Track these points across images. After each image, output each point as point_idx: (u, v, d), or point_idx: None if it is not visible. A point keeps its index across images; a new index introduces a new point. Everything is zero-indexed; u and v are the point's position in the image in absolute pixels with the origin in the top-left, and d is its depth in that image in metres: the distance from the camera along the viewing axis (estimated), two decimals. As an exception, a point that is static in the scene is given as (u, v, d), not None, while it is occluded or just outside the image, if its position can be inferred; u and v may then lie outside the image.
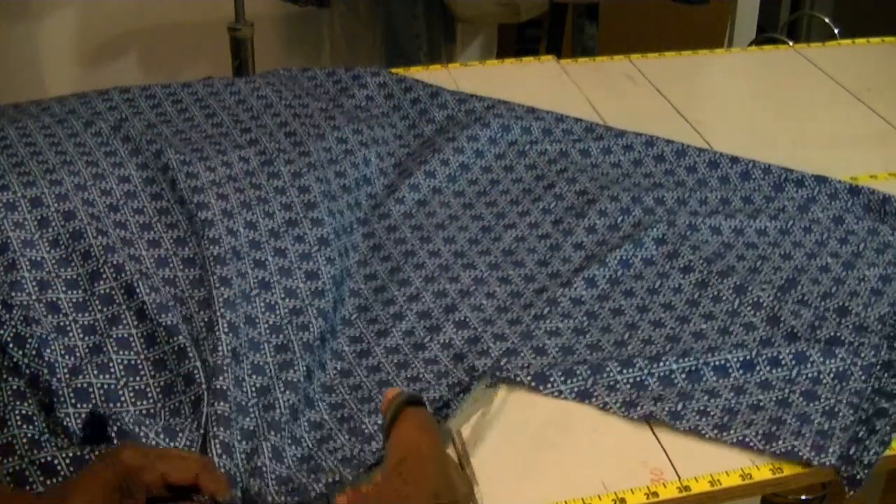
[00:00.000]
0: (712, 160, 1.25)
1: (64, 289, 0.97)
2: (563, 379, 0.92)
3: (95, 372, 0.90)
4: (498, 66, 1.58)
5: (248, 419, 0.87)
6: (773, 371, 0.93)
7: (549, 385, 0.92)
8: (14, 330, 0.91)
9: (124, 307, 0.96)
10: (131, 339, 0.93)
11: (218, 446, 0.82)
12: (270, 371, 0.92)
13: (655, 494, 0.84)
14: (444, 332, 0.99)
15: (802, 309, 1.00)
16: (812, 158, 1.31)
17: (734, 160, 1.25)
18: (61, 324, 0.94)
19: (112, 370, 0.91)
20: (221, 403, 0.85)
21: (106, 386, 0.89)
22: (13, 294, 0.95)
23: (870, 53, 1.64)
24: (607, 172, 1.24)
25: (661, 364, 0.93)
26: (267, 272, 1.02)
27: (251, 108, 1.29)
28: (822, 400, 0.91)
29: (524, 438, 0.89)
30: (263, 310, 0.98)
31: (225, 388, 0.87)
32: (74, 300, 0.96)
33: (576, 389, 0.91)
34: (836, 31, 2.23)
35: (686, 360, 0.93)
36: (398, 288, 1.05)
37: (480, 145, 1.26)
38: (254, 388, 0.90)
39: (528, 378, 0.92)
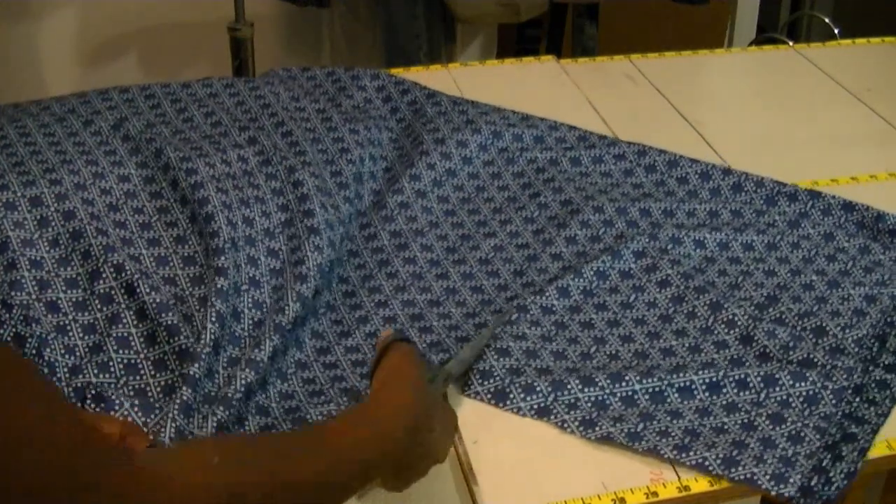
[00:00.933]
0: (704, 171, 1.23)
1: (64, 288, 0.97)
2: (522, 396, 0.90)
3: (95, 371, 0.90)
4: (498, 66, 1.58)
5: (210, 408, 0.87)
6: (741, 393, 0.90)
7: (508, 402, 0.90)
8: (14, 329, 0.91)
9: (124, 306, 0.96)
10: (131, 338, 0.93)
11: (173, 431, 0.82)
12: (243, 359, 0.92)
13: (655, 494, 0.84)
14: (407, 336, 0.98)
15: (778, 328, 0.97)
16: (812, 158, 1.32)
17: (727, 172, 1.23)
18: (61, 323, 0.94)
19: (112, 369, 0.91)
20: (188, 391, 0.86)
21: (106, 385, 0.89)
22: (13, 293, 0.95)
23: (870, 53, 1.64)
24: (596, 182, 1.22)
25: (624, 384, 0.90)
26: (259, 271, 1.02)
27: (249, 109, 1.28)
28: (788, 423, 0.87)
29: (525, 438, 0.89)
30: (251, 306, 0.98)
31: (197, 376, 0.87)
32: (74, 299, 0.96)
33: (535, 406, 0.89)
34: (836, 31, 2.23)
35: (650, 380, 0.90)
36: (368, 294, 1.05)
37: (469, 151, 1.25)
38: (224, 378, 0.90)
39: (489, 396, 0.90)
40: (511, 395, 0.90)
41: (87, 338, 0.93)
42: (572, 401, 0.89)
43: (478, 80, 1.49)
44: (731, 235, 1.11)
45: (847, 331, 0.97)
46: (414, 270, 1.08)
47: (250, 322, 0.97)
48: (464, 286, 1.06)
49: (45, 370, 0.89)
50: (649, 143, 1.33)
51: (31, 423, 0.45)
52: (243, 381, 0.88)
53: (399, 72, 1.52)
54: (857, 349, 0.95)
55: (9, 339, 0.90)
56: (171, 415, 0.83)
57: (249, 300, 0.99)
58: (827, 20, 2.35)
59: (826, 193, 1.19)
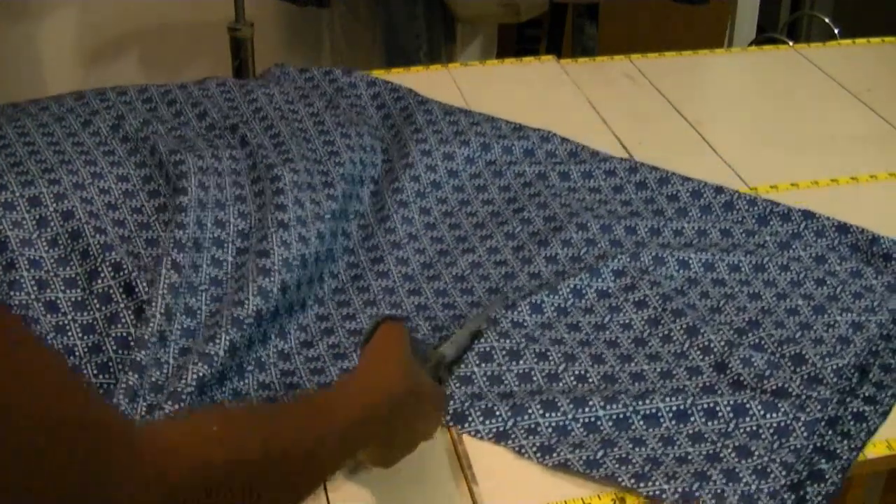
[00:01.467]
0: (696, 189, 1.20)
1: (63, 288, 0.97)
2: (481, 419, 0.87)
3: (95, 371, 0.90)
4: (498, 66, 1.58)
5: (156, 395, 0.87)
6: (708, 423, 0.87)
7: (466, 424, 0.87)
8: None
9: (122, 306, 0.96)
10: (130, 338, 0.93)
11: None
12: (196, 352, 0.91)
13: (655, 494, 0.83)
14: None
15: (756, 354, 0.93)
16: (812, 158, 1.31)
17: (719, 190, 1.19)
18: (60, 323, 0.94)
19: (111, 370, 0.91)
20: (133, 375, 0.86)
21: (105, 385, 0.89)
22: (12, 293, 0.95)
23: (870, 53, 1.64)
24: (584, 197, 1.19)
25: (587, 410, 0.87)
26: (222, 271, 1.01)
27: (242, 112, 1.27)
28: (755, 457, 0.84)
29: (523, 438, 0.88)
30: (208, 301, 0.98)
31: (143, 363, 0.88)
32: (73, 299, 0.96)
33: (493, 430, 0.86)
34: (836, 31, 2.23)
35: (614, 406, 0.87)
36: (336, 308, 1.04)
37: (455, 164, 1.23)
38: (174, 369, 0.90)
39: (447, 418, 0.87)
40: (469, 419, 0.87)
41: (86, 338, 0.93)
42: (532, 426, 0.86)
43: (478, 80, 1.49)
44: (717, 256, 1.08)
45: (827, 360, 0.93)
46: (386, 285, 1.06)
47: (207, 315, 0.96)
48: (436, 303, 1.04)
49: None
50: (649, 144, 1.33)
51: (42, 400, 0.45)
52: (195, 375, 0.87)
53: (399, 72, 1.52)
54: (835, 379, 0.92)
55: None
56: (115, 399, 0.84)
57: (208, 297, 0.98)
58: (827, 20, 2.35)
59: (820, 214, 1.15)
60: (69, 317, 0.95)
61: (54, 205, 1.04)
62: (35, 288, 0.96)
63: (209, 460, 0.53)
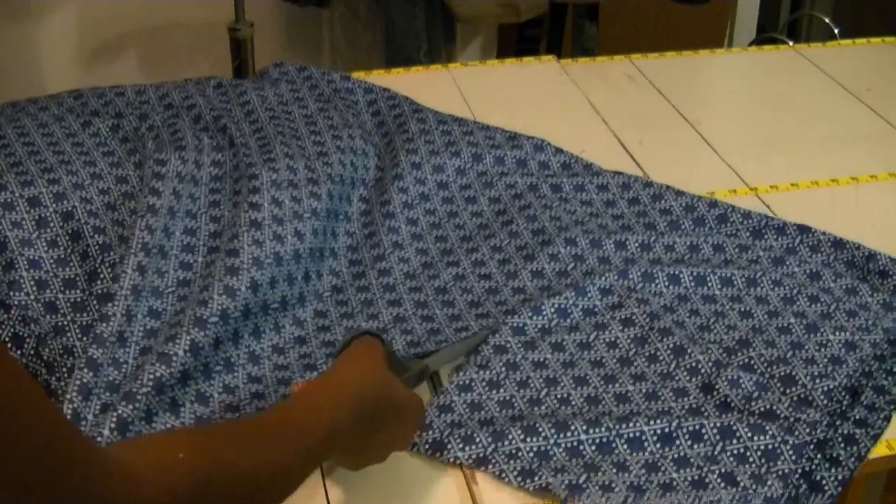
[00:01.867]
0: (689, 204, 1.17)
1: (62, 288, 0.97)
2: (461, 446, 0.85)
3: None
4: (498, 66, 1.58)
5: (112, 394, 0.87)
6: (694, 446, 0.84)
7: (446, 452, 0.85)
8: (13, 330, 0.91)
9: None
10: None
11: (70, 411, 0.84)
12: (154, 349, 0.90)
13: (654, 495, 0.83)
14: None
15: (744, 375, 0.91)
16: (812, 158, 1.31)
17: (713, 204, 1.17)
18: (59, 324, 0.94)
19: (110, 370, 0.90)
20: (88, 373, 0.86)
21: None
22: (11, 294, 0.95)
23: (870, 53, 1.64)
24: (575, 210, 1.17)
25: (569, 434, 0.84)
26: (192, 272, 1.00)
27: (234, 114, 1.26)
28: (740, 487, 0.81)
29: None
30: (174, 302, 0.97)
31: (99, 362, 0.88)
32: (72, 300, 0.96)
33: (473, 456, 0.84)
34: (836, 31, 2.23)
35: (597, 430, 0.85)
36: (314, 317, 1.02)
37: (445, 176, 1.21)
38: (133, 368, 0.89)
39: (426, 447, 0.85)
40: (449, 446, 0.85)
41: (84, 339, 0.93)
42: (513, 451, 0.84)
43: (478, 80, 1.49)
44: (709, 270, 1.05)
45: (818, 381, 0.91)
46: (365, 297, 1.04)
47: (172, 315, 0.95)
48: (414, 314, 1.02)
49: (44, 370, 0.89)
50: (649, 144, 1.33)
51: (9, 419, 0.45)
52: (151, 376, 0.86)
53: (399, 72, 1.52)
54: (825, 401, 0.89)
55: (7, 339, 0.90)
56: (68, 396, 0.83)
57: (174, 298, 0.97)
58: (827, 20, 2.35)
59: (816, 229, 1.13)
60: (68, 318, 0.95)
61: (54, 205, 1.03)
62: (35, 288, 0.96)
63: (175, 489, 0.53)
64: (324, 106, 1.31)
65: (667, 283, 1.04)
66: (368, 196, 1.19)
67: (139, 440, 0.74)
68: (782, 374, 0.92)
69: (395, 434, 0.78)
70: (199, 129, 1.23)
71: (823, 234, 1.12)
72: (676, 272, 1.05)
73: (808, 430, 0.86)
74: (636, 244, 1.10)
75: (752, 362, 0.93)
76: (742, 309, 1.02)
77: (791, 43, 1.77)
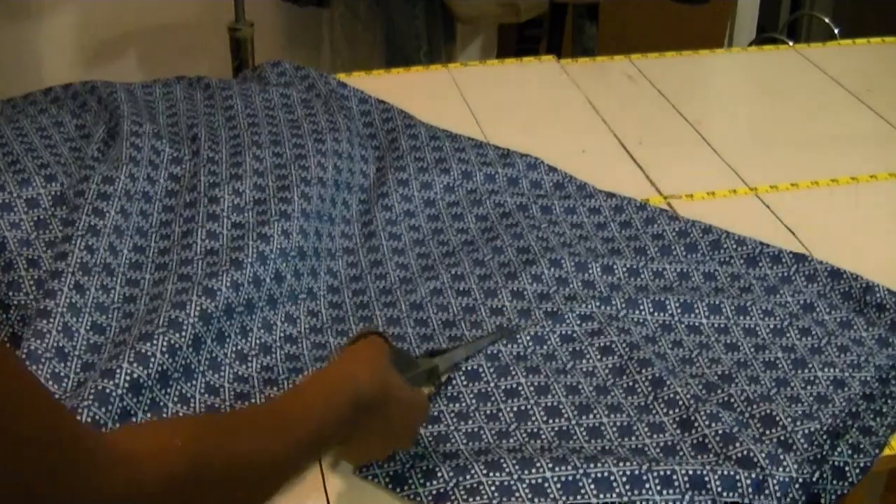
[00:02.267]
0: (682, 229, 1.14)
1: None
2: (421, 481, 0.81)
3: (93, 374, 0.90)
4: (498, 66, 1.58)
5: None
6: (664, 492, 0.80)
7: (406, 487, 0.82)
8: (11, 329, 0.91)
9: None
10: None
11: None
12: (129, 353, 0.87)
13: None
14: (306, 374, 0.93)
15: (724, 413, 0.86)
16: (812, 158, 1.31)
17: (706, 230, 1.13)
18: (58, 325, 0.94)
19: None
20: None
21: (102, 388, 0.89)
22: (10, 294, 0.95)
23: (870, 53, 1.64)
24: (563, 232, 1.14)
25: (534, 471, 0.80)
26: (138, 289, 0.99)
27: (214, 121, 1.25)
28: None
29: (523, 439, 0.88)
30: (119, 318, 0.95)
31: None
32: (69, 302, 0.96)
33: (434, 492, 0.81)
34: (836, 31, 2.23)
35: (563, 468, 0.80)
36: (285, 330, 0.99)
37: (433, 193, 1.20)
38: (76, 383, 0.87)
39: (387, 480, 0.82)
40: (410, 481, 0.81)
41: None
42: (474, 485, 0.80)
43: (478, 80, 1.49)
44: (696, 298, 1.01)
45: (799, 423, 0.85)
46: (337, 315, 1.02)
47: (118, 331, 0.93)
48: (385, 333, 0.98)
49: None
50: (649, 143, 1.33)
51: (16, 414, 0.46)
52: (128, 378, 0.84)
53: (399, 72, 1.52)
54: (805, 445, 0.84)
55: (6, 338, 0.90)
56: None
57: (120, 315, 0.95)
58: (827, 20, 2.35)
59: (813, 258, 1.09)
60: (66, 318, 0.94)
61: (52, 209, 1.03)
62: (34, 288, 0.96)
63: (171, 473, 0.54)
64: (310, 111, 1.29)
65: (651, 311, 0.99)
66: (351, 206, 1.17)
67: (138, 426, 0.74)
68: (763, 413, 0.87)
69: (396, 430, 0.78)
70: (164, 138, 1.19)
71: (820, 263, 1.08)
72: (662, 299, 1.00)
73: (777, 489, 0.81)
74: (623, 269, 1.06)
75: (732, 400, 0.89)
76: (728, 341, 0.97)
77: (791, 43, 1.77)
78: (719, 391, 0.90)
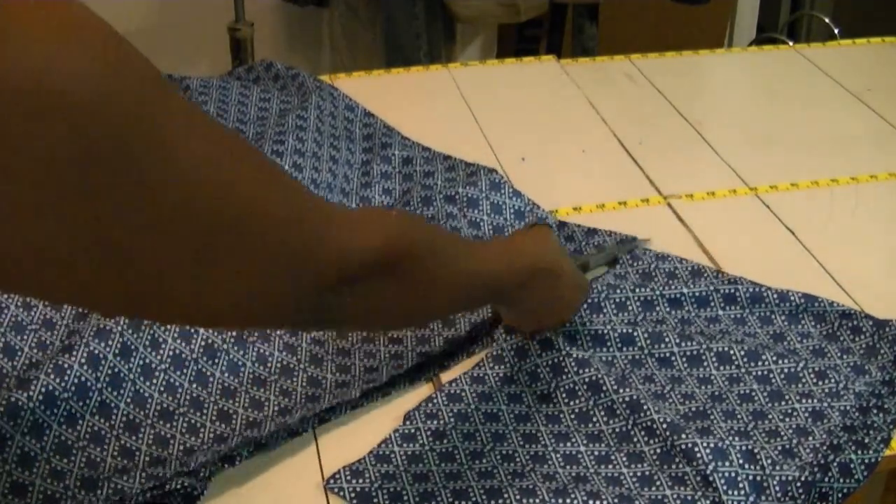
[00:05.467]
0: (661, 254, 1.07)
1: None
2: (387, 501, 0.79)
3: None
4: (498, 66, 1.58)
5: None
6: None
7: None
8: (3, 339, 0.91)
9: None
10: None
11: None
12: (49, 364, 0.85)
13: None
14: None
15: (701, 441, 0.81)
16: (812, 158, 1.31)
17: (662, 258, 1.06)
18: (52, 321, 0.94)
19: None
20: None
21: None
22: (9, 295, 0.95)
23: (870, 53, 1.64)
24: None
25: (501, 502, 0.78)
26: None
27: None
28: None
29: (523, 438, 0.88)
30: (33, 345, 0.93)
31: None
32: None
33: None
34: (836, 31, 2.24)
35: (531, 500, 0.78)
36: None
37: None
38: (15, 382, 0.85)
39: (353, 496, 0.80)
40: (375, 500, 0.79)
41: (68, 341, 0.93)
42: None
43: (478, 80, 1.49)
44: (665, 328, 0.95)
45: (776, 468, 0.80)
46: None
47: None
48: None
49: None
50: (649, 144, 1.33)
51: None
52: (43, 388, 0.81)
53: (399, 72, 1.52)
54: (779, 495, 0.79)
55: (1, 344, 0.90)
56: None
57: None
58: (827, 20, 2.35)
59: (792, 291, 1.01)
60: (64, 318, 0.95)
61: None
62: None
63: (387, 234, 0.62)
64: (282, 116, 1.27)
65: (619, 346, 0.94)
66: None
67: (360, 209, 0.87)
68: (744, 448, 0.82)
69: (563, 302, 0.89)
70: None
71: (797, 292, 1.01)
72: (631, 331, 0.94)
73: None
74: (602, 288, 1.01)
75: (713, 427, 0.84)
76: (701, 374, 0.92)
77: (791, 43, 1.77)
78: (697, 422, 0.85)
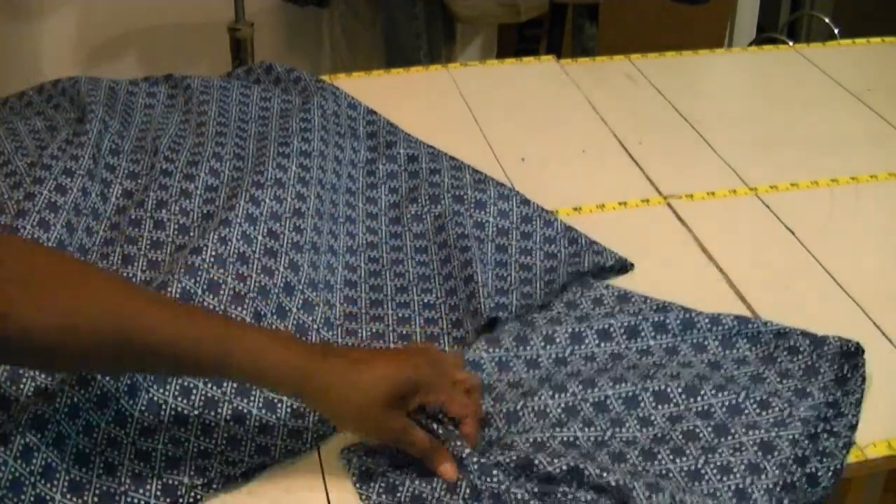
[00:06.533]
0: (598, 297, 1.01)
1: None
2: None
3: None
4: (498, 66, 1.58)
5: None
6: None
7: (367, 487, 0.80)
8: None
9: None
10: None
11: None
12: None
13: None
14: None
15: (660, 482, 0.77)
16: (812, 158, 1.31)
17: (622, 295, 1.01)
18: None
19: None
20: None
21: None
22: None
23: (870, 53, 1.64)
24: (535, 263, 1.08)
25: None
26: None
27: (185, 131, 1.24)
28: None
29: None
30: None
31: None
32: None
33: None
34: (836, 31, 2.24)
35: None
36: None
37: (400, 228, 1.13)
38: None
39: (355, 472, 0.81)
40: (372, 484, 0.79)
41: None
42: None
43: (478, 80, 1.49)
44: (592, 373, 0.89)
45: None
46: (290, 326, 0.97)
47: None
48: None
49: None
50: (649, 144, 1.33)
51: None
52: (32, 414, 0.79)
53: (399, 72, 1.52)
54: None
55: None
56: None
57: None
58: (827, 20, 2.35)
59: (725, 315, 0.96)
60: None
61: (47, 212, 1.03)
62: None
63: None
64: (285, 117, 1.26)
65: (552, 394, 0.87)
66: (338, 203, 1.15)
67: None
68: (702, 491, 0.79)
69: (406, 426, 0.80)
70: (123, 152, 1.17)
71: (728, 315, 0.96)
72: (563, 381, 0.88)
73: None
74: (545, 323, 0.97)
75: (661, 482, 0.78)
76: (641, 414, 0.85)
77: (791, 43, 1.77)
78: (644, 480, 0.78)
